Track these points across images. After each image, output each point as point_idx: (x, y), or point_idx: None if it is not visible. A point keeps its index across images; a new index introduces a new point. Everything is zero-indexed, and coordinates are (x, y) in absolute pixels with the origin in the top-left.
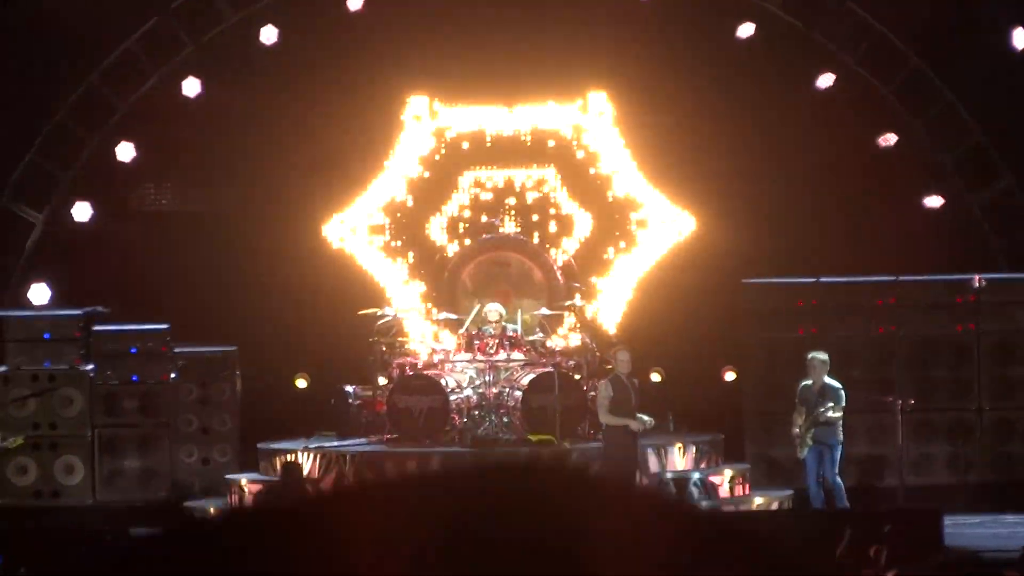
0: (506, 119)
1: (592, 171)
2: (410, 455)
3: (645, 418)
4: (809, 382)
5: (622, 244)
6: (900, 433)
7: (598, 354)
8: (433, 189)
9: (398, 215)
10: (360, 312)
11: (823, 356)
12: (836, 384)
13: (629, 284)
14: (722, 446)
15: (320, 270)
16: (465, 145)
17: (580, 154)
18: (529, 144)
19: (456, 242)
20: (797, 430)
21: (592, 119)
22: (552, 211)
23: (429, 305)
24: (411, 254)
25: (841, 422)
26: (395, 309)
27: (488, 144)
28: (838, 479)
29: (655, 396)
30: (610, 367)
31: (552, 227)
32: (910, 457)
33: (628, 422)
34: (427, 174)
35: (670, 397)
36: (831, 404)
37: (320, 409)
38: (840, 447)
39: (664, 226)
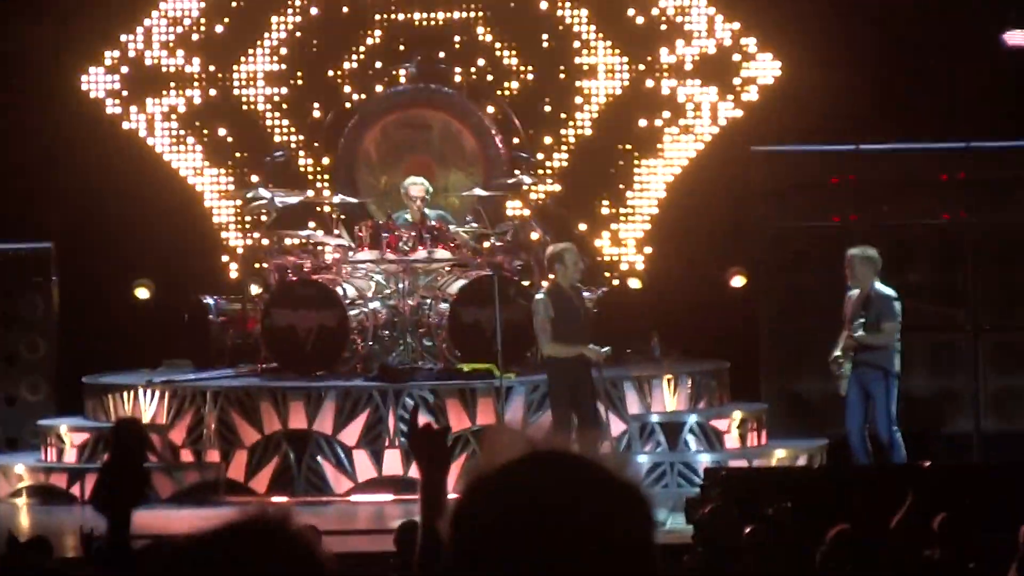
0: None
1: None
2: (295, 392)
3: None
4: (854, 291)
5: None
6: (976, 360)
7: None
8: None
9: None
10: (223, 192)
11: (867, 252)
12: (887, 291)
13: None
14: (728, 378)
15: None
16: None
17: None
18: None
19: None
20: (838, 354)
21: None
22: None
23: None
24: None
25: (897, 347)
26: (272, 190)
27: None
28: (894, 429)
29: (633, 310)
30: (552, 276)
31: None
32: (988, 393)
33: (581, 350)
34: None
35: (655, 311)
36: (862, 320)
37: (169, 329)
38: (894, 382)
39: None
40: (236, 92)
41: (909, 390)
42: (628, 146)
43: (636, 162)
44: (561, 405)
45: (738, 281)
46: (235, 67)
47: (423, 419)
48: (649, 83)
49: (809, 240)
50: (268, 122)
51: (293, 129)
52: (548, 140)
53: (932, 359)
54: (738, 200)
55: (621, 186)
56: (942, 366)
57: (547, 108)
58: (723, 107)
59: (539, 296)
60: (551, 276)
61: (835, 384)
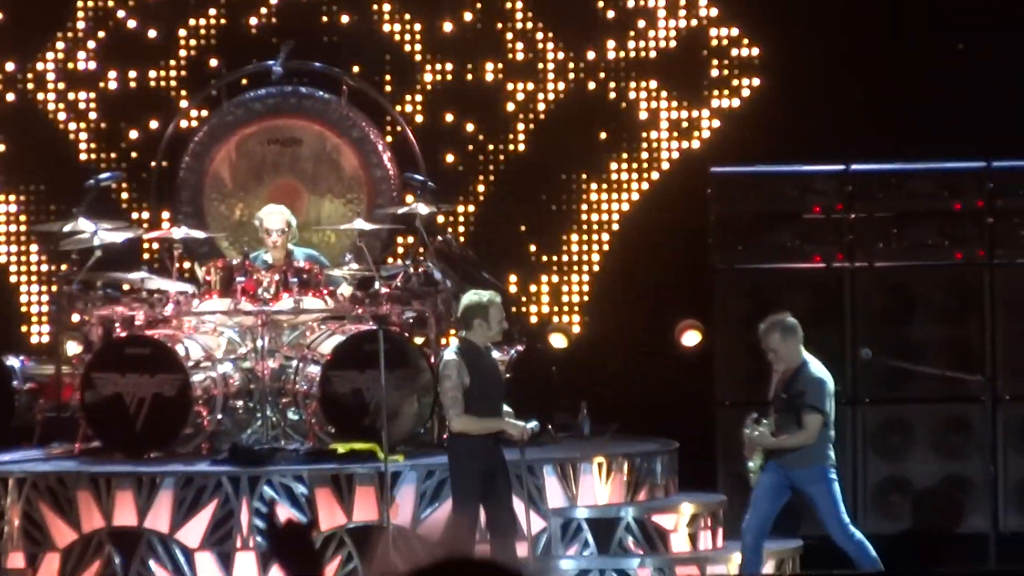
0: None
1: None
2: (122, 479)
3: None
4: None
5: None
6: (994, 439)
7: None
8: None
9: None
10: (35, 228)
11: (785, 322)
12: (816, 372)
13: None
14: (676, 462)
15: None
16: None
17: None
18: None
19: None
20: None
21: None
22: None
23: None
24: None
25: (830, 435)
26: (95, 221)
27: None
28: (852, 532)
29: (558, 377)
30: (464, 334)
31: None
32: (1010, 481)
33: (501, 425)
34: None
35: (584, 376)
36: (762, 419)
37: None
38: (834, 474)
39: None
40: (34, 96)
41: (910, 478)
42: (567, 174)
43: (577, 188)
44: (468, 497)
45: (690, 338)
46: (33, 64)
47: (285, 513)
48: (594, 86)
49: (782, 286)
50: (76, 136)
51: (114, 145)
52: (451, 159)
53: (939, 438)
54: (692, 236)
55: (556, 218)
56: (951, 447)
57: (464, 120)
58: (688, 116)
59: (449, 356)
60: (464, 332)
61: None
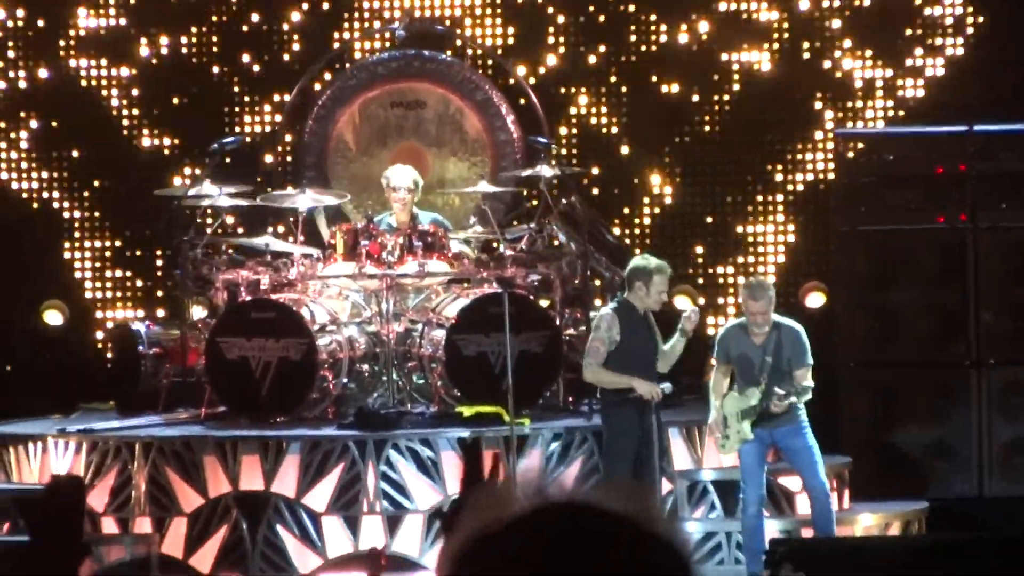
0: None
1: None
2: (248, 444)
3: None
4: (741, 324)
5: None
6: None
7: (599, 266)
8: None
9: None
10: (158, 192)
11: (764, 283)
12: (793, 324)
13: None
14: None
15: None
16: None
17: None
18: None
19: None
20: (716, 413)
21: None
22: None
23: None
24: None
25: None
26: (219, 185)
27: None
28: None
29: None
30: (625, 294)
31: None
32: None
33: (631, 381)
34: None
35: (709, 338)
36: (769, 364)
37: (87, 364)
38: (809, 427)
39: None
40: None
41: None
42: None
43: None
44: (620, 466)
45: (815, 300)
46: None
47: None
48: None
49: (907, 247)
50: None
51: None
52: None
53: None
54: (817, 197)
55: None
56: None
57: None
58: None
59: (605, 311)
60: (626, 292)
61: (720, 447)
